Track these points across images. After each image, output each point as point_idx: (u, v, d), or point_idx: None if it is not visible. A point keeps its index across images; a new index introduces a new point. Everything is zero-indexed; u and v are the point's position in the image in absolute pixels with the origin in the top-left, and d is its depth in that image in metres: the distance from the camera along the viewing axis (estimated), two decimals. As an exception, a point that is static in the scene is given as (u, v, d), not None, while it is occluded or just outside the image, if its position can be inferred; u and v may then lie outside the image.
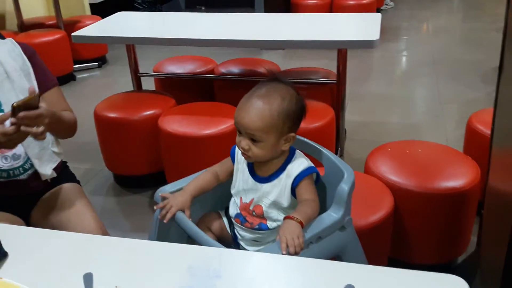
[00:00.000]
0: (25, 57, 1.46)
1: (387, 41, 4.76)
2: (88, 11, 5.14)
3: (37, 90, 1.24)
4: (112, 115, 2.40)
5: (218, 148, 2.17)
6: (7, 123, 1.18)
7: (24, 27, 4.48)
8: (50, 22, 4.49)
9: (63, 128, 1.46)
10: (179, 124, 2.26)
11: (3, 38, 1.54)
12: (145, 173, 2.52)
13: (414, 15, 6.03)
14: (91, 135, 2.55)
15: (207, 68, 3.06)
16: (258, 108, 1.14)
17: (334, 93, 2.61)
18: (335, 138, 2.44)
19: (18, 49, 1.46)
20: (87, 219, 1.42)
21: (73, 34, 2.50)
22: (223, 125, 2.20)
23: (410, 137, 2.86)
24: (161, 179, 2.35)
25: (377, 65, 4.40)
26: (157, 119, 2.32)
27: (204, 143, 2.20)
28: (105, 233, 1.42)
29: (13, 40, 1.49)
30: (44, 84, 1.46)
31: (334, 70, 2.59)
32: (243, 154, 1.21)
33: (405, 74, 4.25)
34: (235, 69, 2.99)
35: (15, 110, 1.15)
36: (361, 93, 3.64)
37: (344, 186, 1.18)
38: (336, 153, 2.54)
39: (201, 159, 2.20)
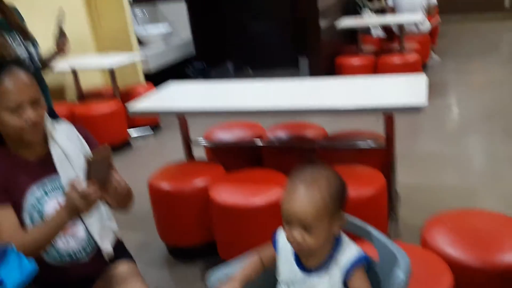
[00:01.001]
0: (81, 137, 1.55)
1: (435, 96, 4.69)
2: (142, 78, 5.42)
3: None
4: (165, 186, 2.47)
5: (268, 218, 2.17)
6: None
7: (83, 97, 4.79)
8: (107, 92, 4.78)
9: (129, 196, 1.51)
10: (229, 194, 2.29)
11: (57, 118, 1.66)
12: (198, 244, 2.54)
13: (462, 68, 5.95)
14: (145, 204, 2.62)
15: (255, 134, 3.11)
16: (308, 194, 1.13)
17: (382, 156, 2.57)
18: (388, 203, 2.37)
19: (74, 129, 1.56)
20: None
21: (129, 108, 2.64)
22: (272, 194, 2.21)
23: (466, 201, 2.76)
24: (214, 249, 2.38)
25: (426, 121, 4.31)
26: (208, 189, 2.37)
27: (253, 213, 2.20)
28: None
29: (67, 121, 1.60)
30: None
31: (382, 130, 2.56)
32: (295, 246, 1.17)
33: (456, 131, 4.13)
34: (282, 135, 3.03)
35: (91, 165, 1.19)
36: (411, 152, 3.56)
37: (401, 275, 1.13)
38: (389, 220, 2.47)
39: (251, 229, 2.21)
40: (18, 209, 1.39)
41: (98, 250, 1.50)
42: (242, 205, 2.22)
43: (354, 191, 2.11)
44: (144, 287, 1.49)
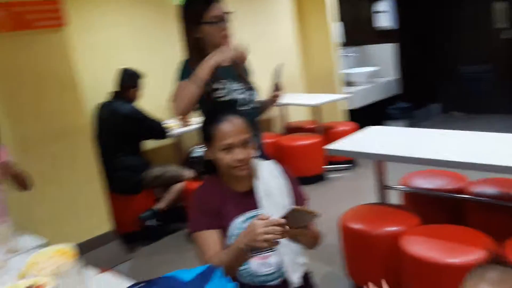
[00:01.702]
0: (286, 177, 1.70)
1: None
2: (344, 116, 5.58)
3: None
4: (355, 226, 2.51)
5: (461, 280, 2.00)
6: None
7: (288, 130, 5.19)
8: (310, 127, 5.06)
9: (317, 241, 1.67)
10: (421, 247, 2.19)
11: (267, 158, 1.83)
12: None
13: None
14: (334, 238, 2.69)
15: (457, 185, 2.90)
16: None
17: None
18: None
19: (279, 169, 1.71)
20: None
21: (327, 147, 2.78)
22: (471, 256, 2.04)
23: None
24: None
25: None
26: (399, 237, 2.31)
27: (446, 272, 2.06)
28: None
29: (275, 161, 1.76)
30: (296, 202, 1.67)
31: None
32: None
33: None
34: (489, 190, 2.75)
35: (292, 212, 1.35)
36: None
37: None
38: None
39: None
40: (223, 234, 1.59)
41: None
42: (434, 261, 2.10)
43: None
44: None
